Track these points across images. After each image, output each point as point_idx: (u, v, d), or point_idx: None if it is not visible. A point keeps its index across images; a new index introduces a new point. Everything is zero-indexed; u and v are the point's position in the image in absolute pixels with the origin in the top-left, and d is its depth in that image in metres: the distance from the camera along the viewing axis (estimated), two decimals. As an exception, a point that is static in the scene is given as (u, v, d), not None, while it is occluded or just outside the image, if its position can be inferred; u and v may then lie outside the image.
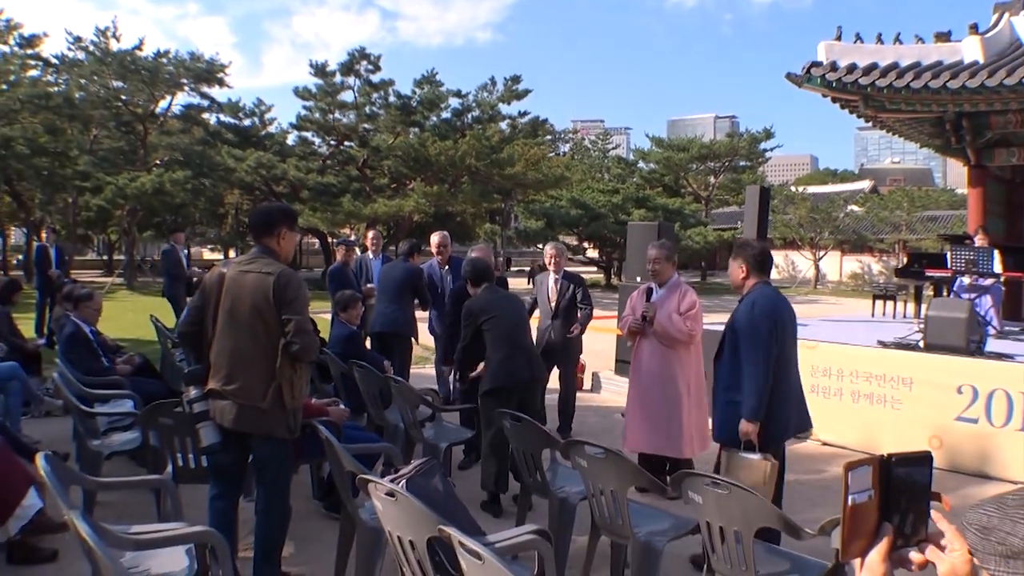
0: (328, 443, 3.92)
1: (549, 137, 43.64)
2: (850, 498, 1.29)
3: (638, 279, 9.22)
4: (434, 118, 33.20)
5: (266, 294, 3.59)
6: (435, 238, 8.28)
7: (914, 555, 1.33)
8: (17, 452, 4.47)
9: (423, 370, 10.74)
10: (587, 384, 10.29)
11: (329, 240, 36.24)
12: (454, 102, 33.68)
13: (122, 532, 2.87)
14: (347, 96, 32.73)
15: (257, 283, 3.62)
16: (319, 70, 32.32)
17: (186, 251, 12.76)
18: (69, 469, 3.56)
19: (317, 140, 35.87)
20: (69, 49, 30.07)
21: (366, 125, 33.15)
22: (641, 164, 50.38)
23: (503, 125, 33.98)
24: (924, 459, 1.35)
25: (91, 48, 29.58)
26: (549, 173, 32.60)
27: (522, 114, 34.94)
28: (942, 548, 1.31)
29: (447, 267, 8.11)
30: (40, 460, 3.13)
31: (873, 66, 10.44)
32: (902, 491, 1.32)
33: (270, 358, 3.63)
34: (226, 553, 2.95)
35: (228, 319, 3.67)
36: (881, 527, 1.31)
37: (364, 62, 32.07)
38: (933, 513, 1.35)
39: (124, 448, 5.40)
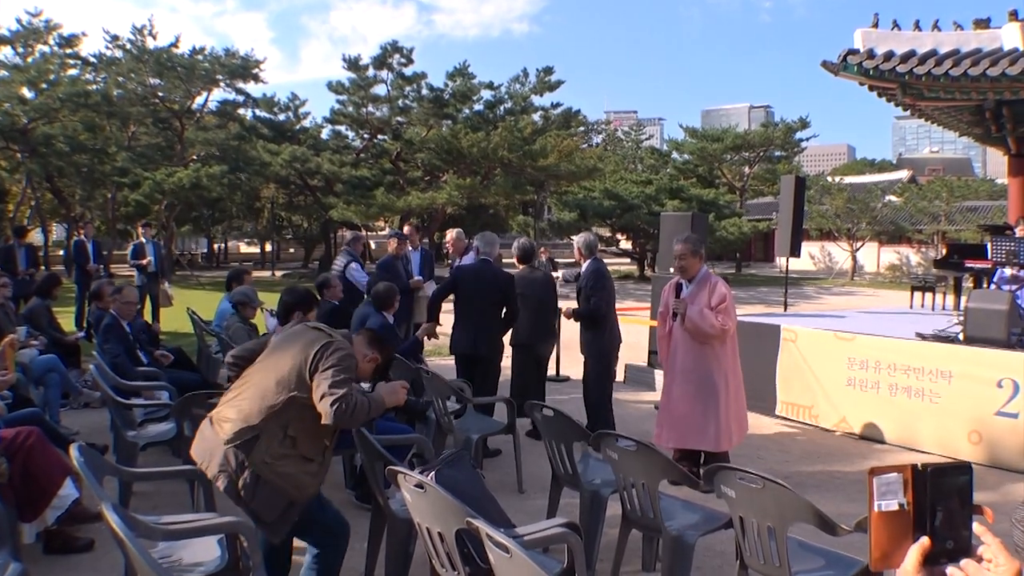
0: (359, 434, 3.93)
1: (582, 128, 43.55)
2: (876, 505, 1.25)
3: (671, 270, 9.15)
4: (466, 110, 33.25)
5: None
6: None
7: (952, 570, 1.25)
8: (54, 443, 4.53)
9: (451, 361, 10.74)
10: (619, 376, 10.23)
11: (364, 233, 36.48)
12: (486, 94, 33.76)
13: (154, 522, 2.89)
14: (380, 90, 32.91)
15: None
16: (352, 64, 32.47)
17: (153, 244, 13.66)
18: (103, 459, 3.60)
19: (351, 134, 36.14)
20: (107, 48, 30.67)
21: (399, 118, 33.31)
22: (675, 155, 50.05)
23: (536, 117, 33.94)
24: (962, 469, 1.28)
25: (128, 46, 30.03)
26: (582, 164, 32.50)
27: (555, 105, 34.90)
28: (980, 561, 1.25)
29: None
30: (74, 451, 3.17)
31: (911, 53, 10.26)
32: (938, 503, 1.26)
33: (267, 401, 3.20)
34: (257, 544, 2.96)
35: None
36: (917, 540, 1.26)
37: (397, 55, 32.20)
38: (976, 527, 1.28)
39: (159, 439, 5.46)
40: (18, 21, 28.82)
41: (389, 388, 3.47)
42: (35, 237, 32.30)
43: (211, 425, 3.28)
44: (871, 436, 7.29)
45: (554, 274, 9.96)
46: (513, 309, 6.75)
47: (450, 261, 9.27)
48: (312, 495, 3.32)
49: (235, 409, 3.21)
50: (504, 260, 9.34)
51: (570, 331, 8.57)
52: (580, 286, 6.97)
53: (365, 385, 3.72)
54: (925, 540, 1.25)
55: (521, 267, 7.25)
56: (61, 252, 34.77)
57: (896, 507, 1.25)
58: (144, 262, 13.01)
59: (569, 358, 10.80)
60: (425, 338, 7.21)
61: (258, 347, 3.57)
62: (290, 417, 3.17)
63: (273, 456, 3.14)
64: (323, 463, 3.35)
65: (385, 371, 3.69)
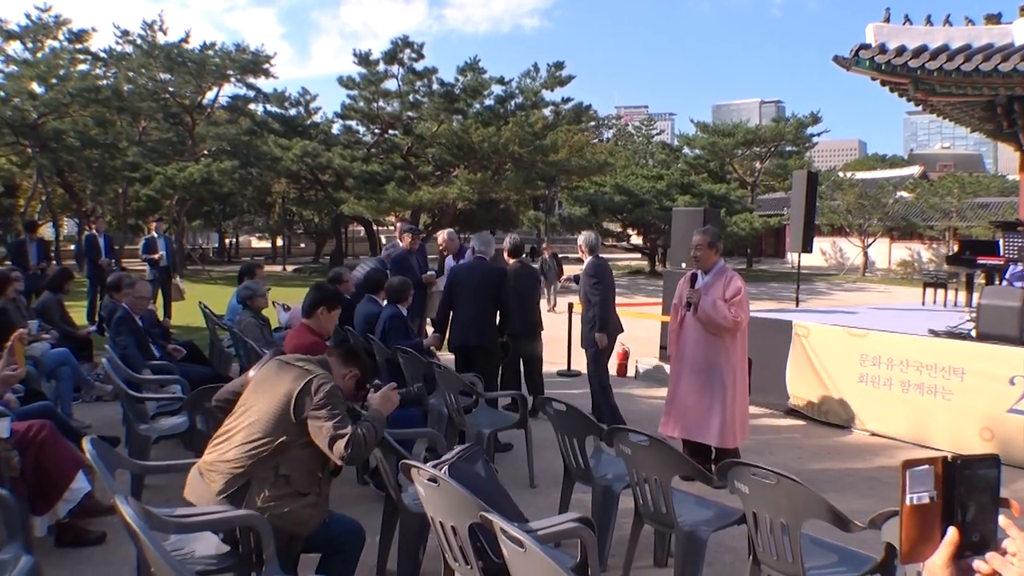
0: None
1: (593, 123, 43.46)
2: (908, 498, 1.24)
3: (683, 265, 9.15)
4: (477, 105, 33.19)
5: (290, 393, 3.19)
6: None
7: (978, 564, 1.25)
8: (66, 436, 4.54)
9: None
10: (631, 371, 10.23)
11: (375, 228, 36.55)
12: (497, 89, 33.68)
13: (166, 515, 2.89)
14: (391, 84, 32.89)
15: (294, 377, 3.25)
16: (363, 59, 32.45)
17: (165, 238, 13.96)
18: (115, 453, 3.60)
19: (361, 128, 36.13)
20: (117, 43, 30.66)
21: (410, 113, 33.29)
22: (686, 150, 49.90)
23: (546, 112, 33.86)
24: (990, 461, 1.28)
25: (138, 41, 30.06)
26: (593, 159, 32.41)
27: (565, 100, 34.81)
28: (1004, 555, 1.24)
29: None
30: (86, 444, 3.17)
31: (923, 48, 10.19)
32: (967, 495, 1.25)
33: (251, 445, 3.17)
34: (270, 537, 2.96)
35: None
36: (945, 532, 1.25)
37: (407, 50, 32.16)
38: (1002, 519, 1.27)
39: (172, 432, 5.47)
40: (27, 16, 28.91)
41: (381, 399, 3.44)
42: (46, 232, 32.37)
43: (200, 476, 3.24)
44: (883, 433, 7.26)
45: (563, 277, 10.69)
46: (506, 304, 6.97)
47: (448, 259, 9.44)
48: (316, 525, 3.27)
49: (221, 459, 3.18)
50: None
51: (575, 325, 8.60)
52: (582, 282, 7.49)
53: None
54: (955, 533, 1.24)
55: (511, 261, 7.84)
56: (72, 247, 34.90)
57: (927, 500, 1.24)
58: (156, 256, 13.08)
59: (581, 352, 10.79)
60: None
61: (240, 387, 3.51)
62: (280, 459, 3.14)
63: (267, 499, 3.11)
64: (320, 493, 3.30)
65: (366, 381, 3.63)
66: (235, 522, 3.03)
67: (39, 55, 28.92)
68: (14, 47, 29.08)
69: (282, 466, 3.15)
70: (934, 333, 7.31)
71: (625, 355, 10.27)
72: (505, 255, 7.98)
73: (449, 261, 9.38)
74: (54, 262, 16.82)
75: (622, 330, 7.72)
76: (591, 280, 7.25)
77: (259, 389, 3.30)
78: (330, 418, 3.11)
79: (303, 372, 3.23)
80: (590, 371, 7.46)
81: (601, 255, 7.60)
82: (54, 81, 27.34)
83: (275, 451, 3.13)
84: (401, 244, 9.35)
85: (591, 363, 7.42)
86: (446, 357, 7.39)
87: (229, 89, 33.51)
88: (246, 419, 3.21)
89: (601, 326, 7.18)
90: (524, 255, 8.04)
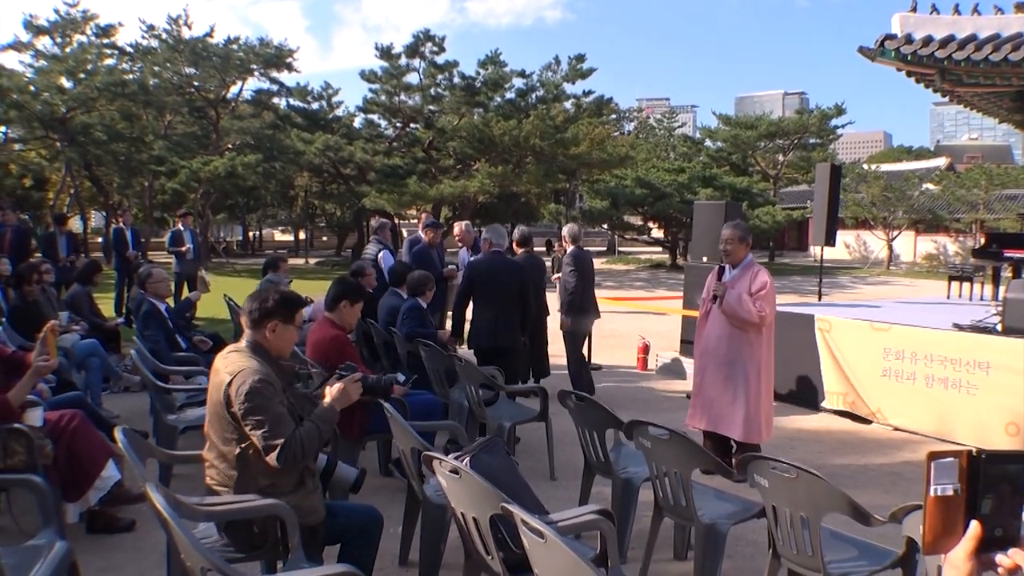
0: (393, 420, 3.96)
1: (614, 116, 43.21)
2: (932, 489, 1.25)
3: (704, 259, 9.15)
4: (498, 99, 33.18)
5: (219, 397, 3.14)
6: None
7: (1001, 558, 1.25)
8: (97, 426, 4.62)
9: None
10: (651, 364, 10.23)
11: (396, 221, 36.67)
12: (518, 82, 33.66)
13: (196, 504, 2.96)
14: (412, 78, 32.97)
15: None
16: (385, 53, 32.53)
17: (191, 232, 14.20)
18: (146, 442, 3.67)
19: (383, 122, 36.21)
20: (143, 37, 30.96)
21: (431, 107, 33.32)
22: (708, 142, 49.53)
23: (567, 105, 33.77)
24: (1016, 457, 1.28)
25: (164, 36, 30.33)
26: (614, 152, 32.30)
27: (587, 93, 34.74)
28: None
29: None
30: (118, 434, 3.24)
31: (950, 38, 10.08)
32: (992, 489, 1.25)
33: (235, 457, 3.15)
34: (295, 526, 3.01)
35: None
36: (968, 525, 1.26)
37: (429, 44, 32.22)
38: None
39: (198, 422, 5.53)
40: (56, 11, 29.28)
41: (337, 392, 3.36)
42: (75, 225, 32.79)
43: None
44: (906, 427, 7.22)
45: (554, 276, 11.69)
46: (527, 299, 6.91)
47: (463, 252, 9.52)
48: (323, 509, 3.28)
49: (215, 486, 3.19)
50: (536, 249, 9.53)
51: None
52: (562, 271, 8.32)
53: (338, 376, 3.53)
54: (977, 527, 1.25)
55: (519, 251, 8.25)
56: (100, 239, 35.28)
57: (951, 492, 1.26)
58: (183, 249, 13.21)
59: (601, 345, 10.80)
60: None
61: None
62: (255, 470, 3.12)
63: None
64: (315, 476, 3.31)
65: (293, 308, 3.38)
66: (262, 511, 3.08)
67: (67, 50, 29.32)
68: (43, 42, 29.52)
69: (260, 478, 3.12)
70: (959, 327, 7.26)
71: (645, 348, 10.27)
72: (514, 245, 8.32)
73: (463, 253, 9.41)
74: (83, 255, 17.04)
75: (598, 316, 8.61)
76: (568, 268, 8.09)
77: (208, 401, 3.29)
78: (256, 426, 3.04)
79: (223, 377, 3.16)
80: (568, 349, 8.22)
81: (584, 247, 8.49)
82: (82, 76, 27.70)
83: (242, 465, 3.11)
84: (424, 238, 9.38)
85: (567, 343, 8.19)
86: (466, 353, 7.43)
87: (253, 83, 33.81)
88: (209, 440, 3.24)
89: (569, 310, 7.99)
90: (532, 246, 8.53)
